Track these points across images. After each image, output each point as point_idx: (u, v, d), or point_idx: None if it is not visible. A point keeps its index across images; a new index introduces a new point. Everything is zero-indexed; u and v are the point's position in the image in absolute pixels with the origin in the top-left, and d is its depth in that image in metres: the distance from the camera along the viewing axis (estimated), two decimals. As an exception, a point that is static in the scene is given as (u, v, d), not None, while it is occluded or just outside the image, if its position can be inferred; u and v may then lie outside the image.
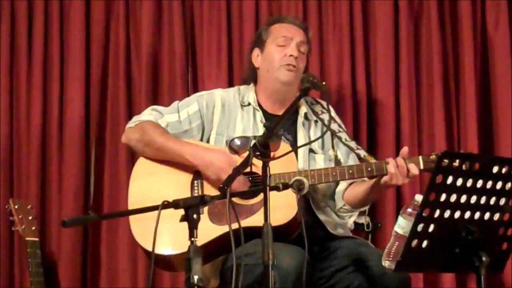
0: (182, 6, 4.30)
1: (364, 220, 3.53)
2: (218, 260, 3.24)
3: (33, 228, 3.96)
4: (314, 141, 3.43)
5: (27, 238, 3.93)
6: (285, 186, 2.71)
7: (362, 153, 3.39)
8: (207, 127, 3.47)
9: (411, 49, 4.24)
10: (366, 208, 3.49)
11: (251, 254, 2.82)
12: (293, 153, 3.27)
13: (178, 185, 3.31)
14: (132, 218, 3.27)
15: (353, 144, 3.44)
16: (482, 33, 4.26)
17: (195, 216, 2.47)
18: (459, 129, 4.21)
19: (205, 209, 3.18)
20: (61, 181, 4.21)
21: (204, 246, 3.04)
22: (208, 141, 3.45)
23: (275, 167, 3.04)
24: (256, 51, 3.54)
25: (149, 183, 3.35)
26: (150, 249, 3.10)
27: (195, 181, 3.31)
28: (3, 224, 4.15)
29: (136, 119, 3.49)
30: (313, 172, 3.24)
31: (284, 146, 3.00)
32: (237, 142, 2.88)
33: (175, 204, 2.47)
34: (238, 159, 2.81)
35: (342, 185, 3.45)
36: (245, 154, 2.70)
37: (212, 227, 3.16)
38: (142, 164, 3.41)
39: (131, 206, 3.33)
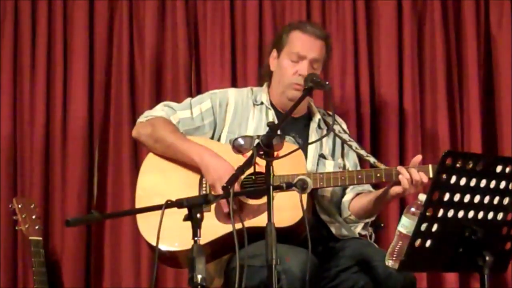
0: (186, 6, 4.30)
1: (367, 231, 3.52)
2: (223, 259, 3.23)
3: (37, 227, 3.97)
4: (317, 140, 3.43)
5: (30, 237, 3.93)
6: (289, 186, 2.71)
7: (372, 159, 3.39)
8: (219, 125, 3.47)
9: (415, 49, 4.24)
10: (371, 219, 3.50)
11: (257, 256, 2.80)
12: (302, 155, 3.29)
13: (187, 183, 3.31)
14: (139, 214, 3.27)
15: (363, 152, 3.45)
16: (486, 33, 4.26)
17: (198, 215, 2.47)
18: (463, 128, 4.21)
19: (212, 207, 3.18)
20: (65, 180, 4.21)
21: (209, 244, 3.05)
22: (219, 139, 3.44)
23: (283, 168, 3.05)
24: (274, 53, 3.53)
25: (158, 178, 3.35)
26: (153, 243, 3.12)
27: (204, 180, 3.30)
28: (7, 223, 4.16)
29: (147, 114, 3.49)
30: (322, 175, 3.23)
31: (291, 146, 3.00)
32: (241, 141, 2.88)
33: (179, 203, 2.47)
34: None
35: (349, 195, 3.45)
36: (249, 154, 2.70)
37: (218, 225, 3.16)
38: (152, 159, 3.41)
39: (139, 200, 3.33)
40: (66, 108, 4.27)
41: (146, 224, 3.24)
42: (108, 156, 4.26)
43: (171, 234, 2.93)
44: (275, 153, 2.70)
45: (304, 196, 3.13)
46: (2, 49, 4.29)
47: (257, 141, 2.71)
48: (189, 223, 2.47)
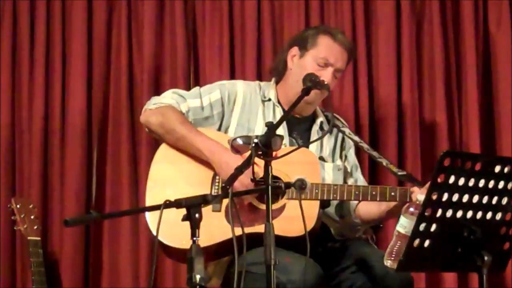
0: (184, 6, 4.30)
1: (369, 234, 3.51)
2: (223, 260, 3.22)
3: (35, 227, 3.97)
4: (318, 139, 3.42)
5: (29, 238, 3.93)
6: (287, 186, 2.71)
7: (385, 161, 3.38)
8: (226, 116, 3.42)
9: (413, 49, 4.24)
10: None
11: (260, 263, 2.73)
12: (318, 164, 3.28)
13: (200, 178, 3.26)
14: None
15: (375, 153, 3.44)
16: (484, 32, 4.26)
17: (197, 215, 2.46)
18: (461, 128, 4.22)
19: (223, 207, 3.16)
20: (63, 180, 4.21)
21: (215, 245, 3.06)
22: (226, 130, 3.40)
23: (297, 176, 3.01)
24: (295, 50, 3.46)
25: (171, 171, 3.30)
26: (164, 241, 3.12)
27: (217, 177, 3.26)
28: (5, 224, 4.15)
29: (156, 101, 3.41)
30: (336, 187, 3.21)
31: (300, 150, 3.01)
32: (239, 141, 2.85)
33: (177, 204, 2.47)
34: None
35: None
36: (248, 154, 2.69)
37: (226, 227, 3.13)
38: (165, 149, 3.34)
39: (150, 190, 3.27)
40: (64, 108, 4.27)
41: (155, 218, 3.18)
42: (106, 156, 4.26)
43: (181, 230, 2.90)
44: (274, 153, 2.69)
45: (316, 206, 3.17)
46: (1, 49, 4.29)
47: (255, 140, 2.70)
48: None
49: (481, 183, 2.55)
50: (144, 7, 4.29)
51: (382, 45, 4.23)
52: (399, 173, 3.32)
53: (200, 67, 4.29)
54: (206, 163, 3.28)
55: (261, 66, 4.24)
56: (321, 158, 3.44)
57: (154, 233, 3.15)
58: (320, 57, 3.39)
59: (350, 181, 3.51)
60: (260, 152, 2.65)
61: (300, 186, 2.74)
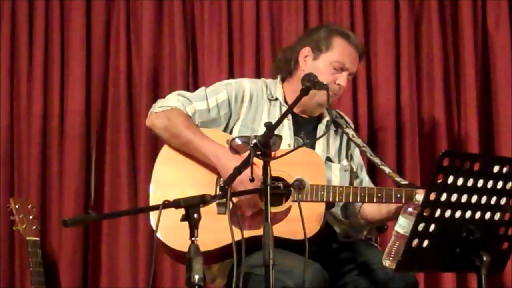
0: (183, 6, 4.30)
1: (372, 235, 3.51)
2: (228, 260, 3.20)
3: (34, 227, 3.97)
4: (317, 139, 3.40)
5: (27, 238, 3.93)
6: (286, 186, 2.70)
7: (387, 169, 3.36)
8: (233, 117, 3.39)
9: (412, 48, 4.24)
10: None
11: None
12: (323, 165, 3.27)
13: (204, 180, 3.23)
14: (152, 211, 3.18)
15: (377, 160, 3.42)
16: (483, 32, 4.27)
17: (196, 215, 2.46)
18: (460, 128, 4.22)
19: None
20: (62, 180, 4.21)
21: (219, 248, 3.05)
22: (231, 131, 3.37)
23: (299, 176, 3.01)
24: (307, 50, 3.42)
25: (174, 173, 3.28)
26: (169, 243, 3.12)
27: (220, 179, 3.24)
28: (4, 224, 4.16)
29: (162, 104, 3.37)
30: (341, 189, 3.19)
31: (310, 152, 3.01)
32: (238, 141, 2.85)
33: (176, 204, 2.47)
34: (256, 171, 2.77)
35: None
36: (246, 154, 2.69)
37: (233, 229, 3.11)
38: (168, 151, 3.32)
39: (154, 192, 3.25)
40: (63, 108, 4.27)
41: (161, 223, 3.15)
42: (105, 156, 4.26)
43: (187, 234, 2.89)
44: (273, 153, 2.69)
45: (322, 208, 3.17)
46: (0, 50, 4.29)
47: (254, 140, 2.69)
48: (204, 224, 2.46)
49: (480, 183, 2.55)
50: (143, 8, 4.29)
51: (380, 45, 4.23)
52: (402, 182, 3.30)
53: (199, 67, 4.29)
54: (210, 165, 3.25)
55: (260, 66, 4.24)
56: (328, 159, 3.42)
57: (160, 237, 3.16)
58: (337, 61, 3.37)
59: (356, 182, 3.50)
60: (259, 152, 2.64)
61: (299, 186, 2.74)
